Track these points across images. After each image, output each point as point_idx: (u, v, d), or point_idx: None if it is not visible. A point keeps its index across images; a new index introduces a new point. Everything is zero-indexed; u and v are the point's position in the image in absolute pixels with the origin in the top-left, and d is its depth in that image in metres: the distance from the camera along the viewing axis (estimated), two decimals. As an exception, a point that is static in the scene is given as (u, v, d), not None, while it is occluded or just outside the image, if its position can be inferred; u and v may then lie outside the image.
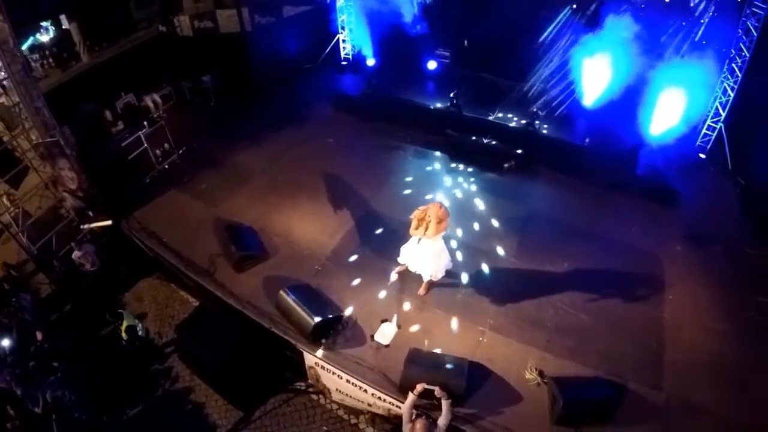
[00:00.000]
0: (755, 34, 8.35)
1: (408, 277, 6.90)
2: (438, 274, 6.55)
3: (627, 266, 7.40)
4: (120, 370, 6.79)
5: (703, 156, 9.64)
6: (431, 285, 6.81)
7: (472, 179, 9.21)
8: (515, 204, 8.63)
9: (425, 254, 6.33)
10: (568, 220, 8.26)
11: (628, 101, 9.77)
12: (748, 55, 8.56)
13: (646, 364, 6.06)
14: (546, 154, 9.36)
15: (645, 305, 6.80)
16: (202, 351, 6.41)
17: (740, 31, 8.51)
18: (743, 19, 8.40)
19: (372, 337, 6.33)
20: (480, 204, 8.64)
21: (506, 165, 9.41)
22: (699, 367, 5.99)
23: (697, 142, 9.69)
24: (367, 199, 8.48)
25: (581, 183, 8.94)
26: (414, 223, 6.10)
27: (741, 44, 8.56)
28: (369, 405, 6.13)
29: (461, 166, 9.49)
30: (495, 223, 8.19)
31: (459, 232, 7.93)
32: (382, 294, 6.88)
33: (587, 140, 9.42)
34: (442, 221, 5.99)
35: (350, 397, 6.21)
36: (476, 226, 8.19)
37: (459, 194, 8.90)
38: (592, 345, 6.30)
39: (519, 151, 9.25)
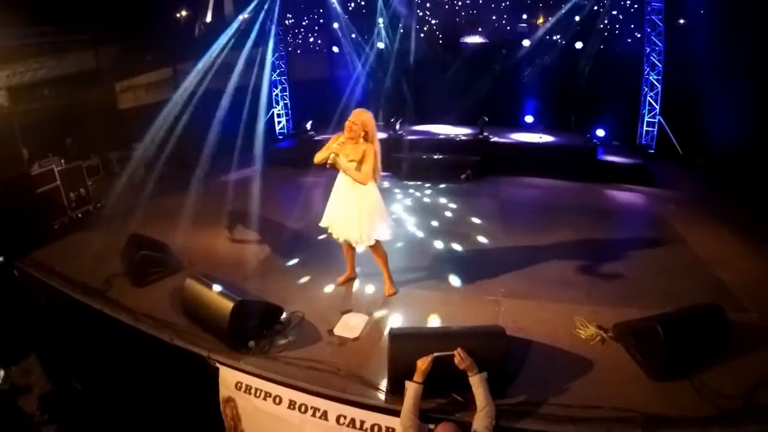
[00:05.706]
0: (661, 25, 8.94)
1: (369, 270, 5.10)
2: (373, 234, 4.44)
3: (634, 225, 6.71)
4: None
5: (651, 151, 9.44)
6: (391, 278, 4.81)
7: (429, 191, 8.09)
8: (486, 200, 7.57)
9: (353, 208, 4.38)
10: (550, 202, 7.37)
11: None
12: (662, 46, 9.03)
13: (713, 291, 4.68)
14: (503, 156, 8.64)
15: (673, 247, 5.76)
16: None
17: (647, 28, 9.11)
18: (647, 17, 9.06)
19: (331, 332, 4.26)
20: (446, 203, 7.44)
21: (463, 176, 8.50)
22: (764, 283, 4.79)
23: (642, 140, 9.58)
24: (307, 219, 6.55)
25: (548, 176, 8.26)
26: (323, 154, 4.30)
27: (652, 37, 9.07)
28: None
29: (416, 183, 8.41)
30: (471, 216, 6.90)
31: (428, 223, 6.61)
32: (336, 289, 4.96)
33: (541, 137, 8.91)
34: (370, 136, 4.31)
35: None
36: (448, 215, 6.94)
37: (425, 199, 7.69)
38: (643, 286, 4.79)
39: (474, 158, 8.50)
